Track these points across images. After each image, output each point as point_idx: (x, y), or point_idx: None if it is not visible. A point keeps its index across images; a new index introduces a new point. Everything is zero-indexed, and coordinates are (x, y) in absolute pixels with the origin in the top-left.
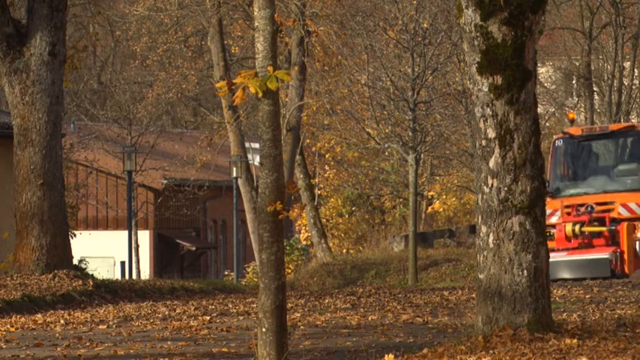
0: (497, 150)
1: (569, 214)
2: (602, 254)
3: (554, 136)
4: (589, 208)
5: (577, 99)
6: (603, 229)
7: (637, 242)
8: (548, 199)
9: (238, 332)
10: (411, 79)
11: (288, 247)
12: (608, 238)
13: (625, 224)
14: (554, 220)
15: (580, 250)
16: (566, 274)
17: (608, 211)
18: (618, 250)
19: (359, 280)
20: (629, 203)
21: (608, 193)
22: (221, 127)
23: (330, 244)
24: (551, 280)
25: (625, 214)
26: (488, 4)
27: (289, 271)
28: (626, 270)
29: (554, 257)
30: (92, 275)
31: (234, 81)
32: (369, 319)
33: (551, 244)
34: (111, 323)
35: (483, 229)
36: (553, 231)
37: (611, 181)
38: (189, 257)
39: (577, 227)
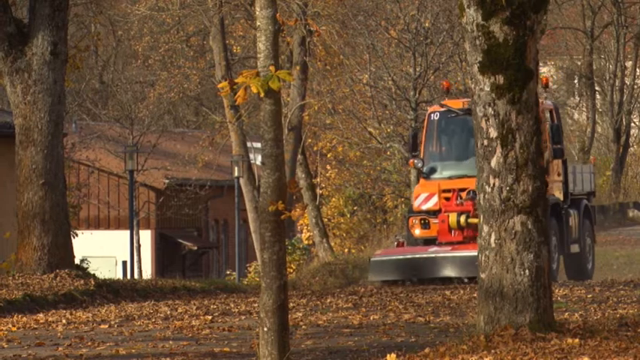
0: (498, 149)
1: (448, 199)
2: None
3: (429, 109)
4: (471, 194)
5: (579, 98)
6: None
7: None
8: (421, 181)
9: (240, 332)
10: (412, 78)
11: (289, 247)
12: None
13: None
14: (430, 205)
15: (467, 245)
16: (451, 272)
17: None
18: None
19: (361, 280)
20: None
21: None
22: (223, 126)
23: (332, 244)
24: (433, 277)
25: None
26: (490, 3)
27: (291, 270)
28: None
29: (436, 253)
30: (94, 275)
31: (236, 81)
32: (371, 318)
33: (425, 233)
34: (113, 323)
35: (485, 228)
36: (433, 220)
37: None
38: (190, 257)
39: (463, 218)
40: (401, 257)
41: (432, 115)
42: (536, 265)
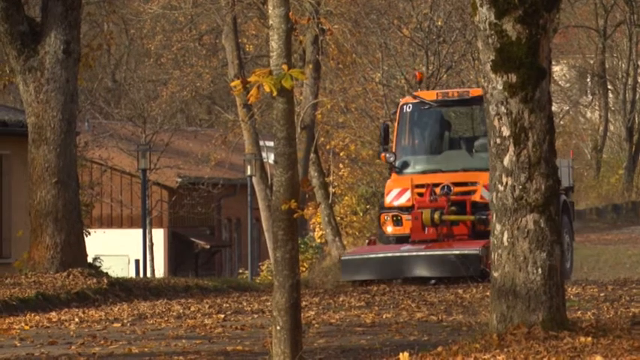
0: (511, 148)
1: (421, 195)
2: (472, 249)
3: (402, 100)
4: (445, 189)
5: (591, 97)
6: (471, 218)
7: None
8: (394, 176)
9: (253, 330)
10: (425, 77)
11: (302, 245)
12: (470, 228)
13: None
14: (402, 201)
15: (441, 244)
16: (424, 272)
17: (469, 193)
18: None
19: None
20: None
21: (468, 172)
22: (235, 125)
23: (345, 242)
24: (406, 277)
25: (488, 197)
26: (503, 2)
27: (303, 269)
28: None
29: (409, 251)
30: (106, 273)
31: (248, 79)
32: (384, 317)
33: (397, 230)
34: (125, 321)
35: (498, 227)
36: (406, 217)
37: (471, 157)
38: (203, 255)
39: (437, 215)
40: (372, 256)
41: (405, 106)
42: (549, 264)
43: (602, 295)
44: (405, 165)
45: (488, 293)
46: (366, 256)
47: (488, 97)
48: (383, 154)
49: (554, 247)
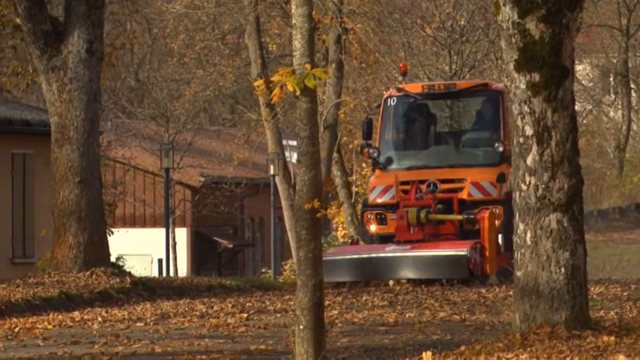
0: (534, 147)
1: (406, 192)
2: (459, 250)
3: (386, 93)
4: (431, 187)
5: (614, 96)
6: (459, 217)
7: (500, 235)
8: (377, 172)
9: (276, 330)
10: (448, 76)
11: (325, 245)
12: (457, 227)
13: (488, 212)
14: (386, 199)
15: (428, 244)
16: (410, 274)
17: (455, 190)
18: (478, 245)
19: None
20: (482, 182)
21: (455, 168)
22: (258, 124)
23: None
24: (390, 278)
25: (477, 195)
26: (526, 1)
27: None
28: (487, 270)
29: (394, 252)
30: (129, 273)
31: (271, 79)
32: (407, 316)
33: (381, 229)
34: (148, 321)
35: (521, 226)
36: (391, 216)
37: (458, 152)
38: (226, 255)
39: (423, 214)
40: (355, 257)
41: (389, 100)
42: (572, 263)
43: (625, 294)
44: (390, 161)
45: (511, 293)
46: (348, 257)
47: (512, 96)
48: (366, 150)
49: (577, 246)
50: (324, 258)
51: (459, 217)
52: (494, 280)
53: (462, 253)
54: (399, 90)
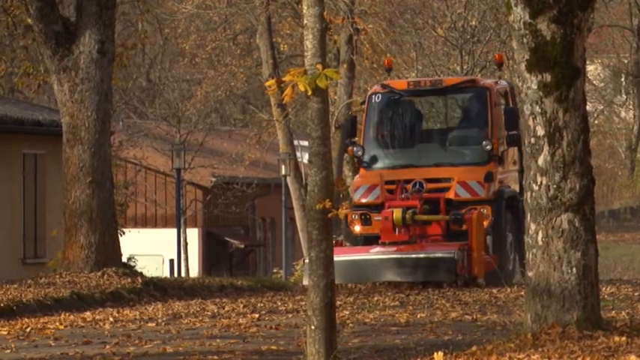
0: (546, 147)
1: (391, 192)
2: (446, 252)
3: (370, 90)
4: (417, 186)
5: (625, 96)
6: (446, 217)
7: (488, 236)
8: (361, 171)
9: (287, 330)
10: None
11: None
12: (443, 228)
13: (476, 213)
14: (371, 198)
15: (414, 246)
16: (395, 276)
17: (442, 190)
18: (466, 247)
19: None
20: (469, 181)
21: (442, 167)
22: (270, 124)
23: None
24: (375, 280)
25: (464, 195)
26: (537, 1)
27: None
28: (475, 272)
29: (379, 254)
30: (141, 273)
31: (283, 79)
32: (418, 316)
33: (365, 230)
34: (160, 321)
35: (532, 226)
36: (375, 216)
37: (445, 151)
38: (237, 255)
39: (409, 214)
40: (339, 259)
41: (374, 96)
42: (584, 264)
43: (636, 294)
44: (374, 160)
45: (522, 293)
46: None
47: (523, 96)
48: (350, 148)
49: (588, 246)
50: (307, 260)
51: (446, 217)
52: (482, 283)
53: (449, 255)
54: (383, 86)
